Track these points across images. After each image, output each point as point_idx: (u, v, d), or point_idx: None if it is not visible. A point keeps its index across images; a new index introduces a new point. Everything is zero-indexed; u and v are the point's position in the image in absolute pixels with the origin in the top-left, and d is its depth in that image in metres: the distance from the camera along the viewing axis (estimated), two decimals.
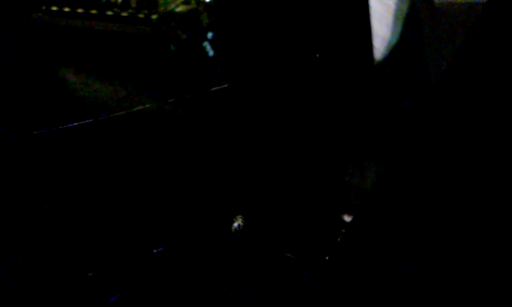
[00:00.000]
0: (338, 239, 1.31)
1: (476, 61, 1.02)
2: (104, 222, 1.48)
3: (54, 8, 2.23)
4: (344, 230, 1.34)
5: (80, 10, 2.18)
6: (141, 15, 2.03)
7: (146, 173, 1.60)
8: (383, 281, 0.98)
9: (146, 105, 1.83)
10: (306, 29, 1.96)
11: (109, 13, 2.11)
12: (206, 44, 2.02)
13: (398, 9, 1.65)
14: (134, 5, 2.05)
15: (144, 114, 1.81)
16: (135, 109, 1.82)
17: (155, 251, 1.35)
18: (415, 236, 0.98)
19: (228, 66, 2.02)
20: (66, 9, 2.21)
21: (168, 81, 1.99)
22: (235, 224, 1.34)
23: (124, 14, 2.07)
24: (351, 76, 1.84)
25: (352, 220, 1.35)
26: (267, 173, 1.58)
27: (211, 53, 2.02)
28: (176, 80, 1.99)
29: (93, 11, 2.15)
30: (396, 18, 1.66)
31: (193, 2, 2.01)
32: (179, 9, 2.01)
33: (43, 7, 2.25)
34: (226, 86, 1.85)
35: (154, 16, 2.00)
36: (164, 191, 1.55)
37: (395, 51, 1.69)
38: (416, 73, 1.64)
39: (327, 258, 1.24)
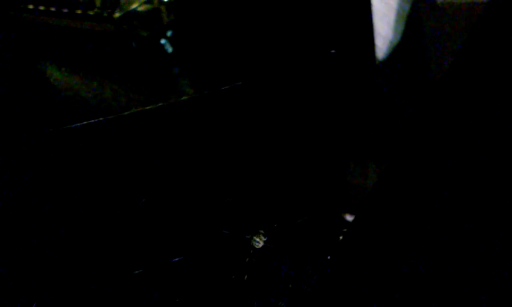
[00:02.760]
0: (340, 238, 1.31)
1: (478, 60, 1.02)
2: (111, 229, 1.49)
3: (30, 6, 2.37)
4: (345, 229, 1.34)
5: (52, 8, 2.33)
6: (105, 14, 2.18)
7: (158, 177, 1.61)
8: (384, 280, 0.98)
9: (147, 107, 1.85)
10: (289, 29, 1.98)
11: (78, 11, 2.26)
12: (165, 41, 2.15)
13: (400, 9, 1.64)
14: (98, 4, 2.20)
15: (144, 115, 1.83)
16: (132, 111, 1.83)
17: (173, 260, 1.35)
18: (416, 235, 0.98)
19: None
20: (41, 8, 2.36)
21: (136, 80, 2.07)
22: (257, 237, 1.34)
23: (90, 12, 2.22)
24: (353, 75, 1.84)
25: (353, 220, 1.35)
26: (268, 172, 1.58)
27: (170, 50, 2.14)
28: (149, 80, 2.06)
29: (64, 10, 2.30)
30: (398, 17, 1.66)
31: (156, 1, 2.13)
32: (141, 8, 2.14)
33: (21, 6, 2.37)
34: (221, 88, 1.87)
35: (116, 15, 2.14)
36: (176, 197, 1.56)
37: (396, 50, 1.69)
38: (418, 72, 1.64)
39: (328, 257, 1.24)
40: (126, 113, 1.80)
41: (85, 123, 1.73)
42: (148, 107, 1.83)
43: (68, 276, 1.37)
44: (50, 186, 1.62)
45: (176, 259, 1.35)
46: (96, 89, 2.04)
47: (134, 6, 2.14)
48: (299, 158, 1.63)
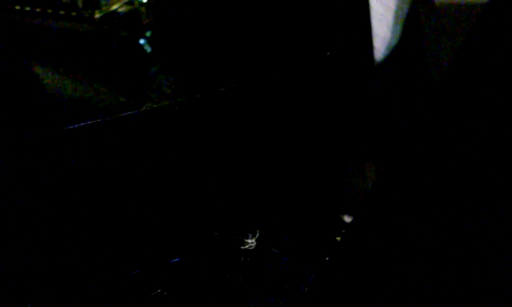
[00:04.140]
0: (338, 240, 1.31)
1: (477, 61, 1.02)
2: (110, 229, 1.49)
3: (17, 7, 2.46)
4: (344, 231, 1.34)
5: (38, 9, 2.42)
6: (87, 15, 2.29)
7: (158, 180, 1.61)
8: (383, 281, 0.98)
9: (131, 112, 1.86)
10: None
11: (62, 12, 2.36)
12: (144, 41, 2.25)
13: (398, 10, 1.64)
14: (80, 5, 2.31)
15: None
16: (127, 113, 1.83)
17: (171, 261, 1.35)
18: (415, 236, 0.98)
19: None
20: (27, 8, 2.45)
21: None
22: (251, 236, 1.34)
23: (73, 13, 2.32)
24: (351, 76, 1.84)
25: (352, 221, 1.34)
26: (267, 173, 1.58)
27: (148, 49, 2.23)
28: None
29: (49, 10, 2.39)
30: (396, 18, 1.66)
31: (136, 3, 2.24)
32: (121, 9, 2.27)
33: (9, 6, 2.47)
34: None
35: (97, 16, 2.25)
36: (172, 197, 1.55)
37: (395, 51, 1.69)
38: (417, 73, 1.64)
39: (327, 258, 1.24)
40: (114, 117, 1.80)
41: (70, 127, 1.73)
42: (139, 110, 1.84)
43: (65, 277, 1.36)
44: (45, 188, 1.62)
45: (173, 260, 1.35)
46: (79, 90, 2.07)
47: (114, 7, 2.25)
48: (298, 160, 1.62)
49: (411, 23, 1.61)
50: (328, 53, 1.81)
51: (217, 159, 1.65)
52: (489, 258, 0.89)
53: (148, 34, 2.22)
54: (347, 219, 1.45)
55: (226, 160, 1.64)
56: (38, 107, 1.98)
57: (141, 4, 2.22)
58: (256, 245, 1.33)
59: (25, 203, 1.57)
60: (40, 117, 1.88)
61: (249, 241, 1.33)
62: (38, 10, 2.40)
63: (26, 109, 1.96)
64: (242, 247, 1.32)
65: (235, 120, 1.77)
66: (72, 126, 1.69)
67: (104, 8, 2.25)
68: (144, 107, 1.85)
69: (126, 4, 2.25)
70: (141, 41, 2.22)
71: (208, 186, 1.56)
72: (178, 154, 1.69)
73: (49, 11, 2.37)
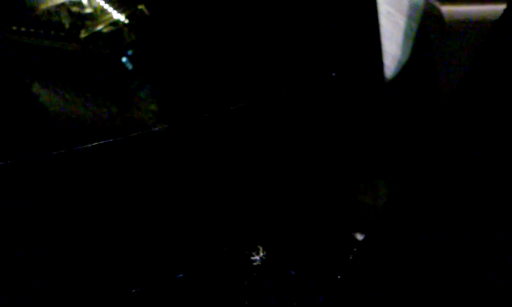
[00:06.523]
0: (350, 258, 1.30)
1: (488, 79, 1.02)
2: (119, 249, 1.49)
3: (14, 27, 2.65)
4: (355, 249, 1.33)
5: (32, 29, 2.61)
6: (73, 34, 2.47)
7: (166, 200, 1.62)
8: (395, 299, 0.97)
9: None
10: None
11: (52, 32, 2.53)
12: (126, 59, 2.39)
13: (408, 28, 1.65)
14: (67, 26, 2.50)
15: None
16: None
17: (177, 276, 1.35)
18: (428, 254, 0.97)
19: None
20: (23, 29, 2.64)
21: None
22: (257, 253, 1.34)
23: (61, 33, 2.52)
24: (362, 95, 1.84)
25: (364, 239, 1.33)
26: (279, 191, 1.58)
27: (130, 67, 2.38)
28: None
29: (41, 31, 2.58)
30: (406, 36, 1.66)
31: (120, 24, 2.41)
32: (105, 29, 2.44)
33: (7, 27, 2.68)
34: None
35: (82, 36, 2.43)
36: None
37: (405, 69, 1.69)
38: (427, 90, 1.64)
39: (339, 276, 1.23)
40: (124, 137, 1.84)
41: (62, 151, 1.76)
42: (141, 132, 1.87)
43: (68, 295, 1.36)
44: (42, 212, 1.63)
45: (178, 276, 1.35)
46: (64, 109, 2.16)
47: (99, 27, 2.43)
48: (309, 178, 1.62)
49: (421, 41, 1.62)
50: (334, 74, 1.82)
51: (227, 176, 1.65)
52: (503, 279, 0.87)
53: (130, 52, 2.38)
54: (359, 236, 1.44)
55: (236, 177, 1.64)
56: (24, 125, 2.05)
57: (124, 25, 2.39)
58: (264, 262, 1.32)
59: (25, 220, 1.58)
60: (28, 135, 1.94)
61: (257, 257, 1.33)
62: (32, 30, 2.58)
63: (14, 126, 2.03)
64: (250, 262, 1.32)
65: (246, 138, 1.78)
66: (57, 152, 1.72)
67: (89, 29, 2.43)
68: (157, 127, 1.88)
69: (110, 25, 2.42)
70: (123, 59, 2.36)
71: (218, 202, 1.56)
72: (181, 171, 1.70)
73: (41, 31, 2.54)
